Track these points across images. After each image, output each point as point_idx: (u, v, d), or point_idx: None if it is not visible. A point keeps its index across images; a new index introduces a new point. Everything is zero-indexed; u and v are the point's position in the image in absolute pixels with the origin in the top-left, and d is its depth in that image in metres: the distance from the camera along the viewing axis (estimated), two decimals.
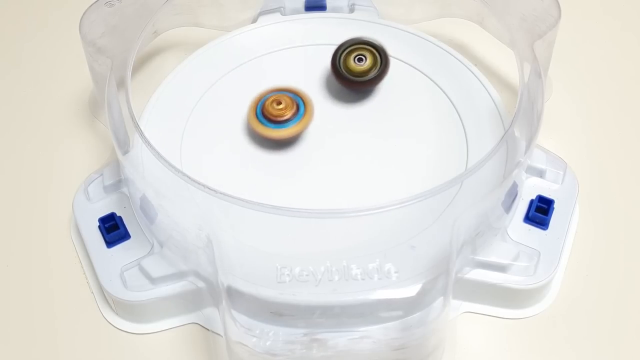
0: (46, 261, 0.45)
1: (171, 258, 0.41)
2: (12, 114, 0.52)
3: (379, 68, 0.47)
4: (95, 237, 0.43)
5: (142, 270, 0.41)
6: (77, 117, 0.52)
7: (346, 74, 0.47)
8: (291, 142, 0.45)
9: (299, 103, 0.45)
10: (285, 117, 0.44)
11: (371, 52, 0.47)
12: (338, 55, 0.47)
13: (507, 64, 0.51)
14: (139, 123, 0.42)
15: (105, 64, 0.44)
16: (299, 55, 0.51)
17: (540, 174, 0.45)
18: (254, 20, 0.53)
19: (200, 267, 0.40)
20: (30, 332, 0.42)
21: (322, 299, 0.38)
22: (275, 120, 0.44)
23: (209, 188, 0.38)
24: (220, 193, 0.38)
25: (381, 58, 0.47)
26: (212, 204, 0.39)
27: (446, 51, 0.50)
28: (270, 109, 0.44)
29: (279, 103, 0.44)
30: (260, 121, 0.44)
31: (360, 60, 0.46)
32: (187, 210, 0.41)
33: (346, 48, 0.47)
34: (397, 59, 0.50)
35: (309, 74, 0.49)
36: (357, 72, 0.47)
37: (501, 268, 0.41)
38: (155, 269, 0.40)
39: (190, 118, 0.47)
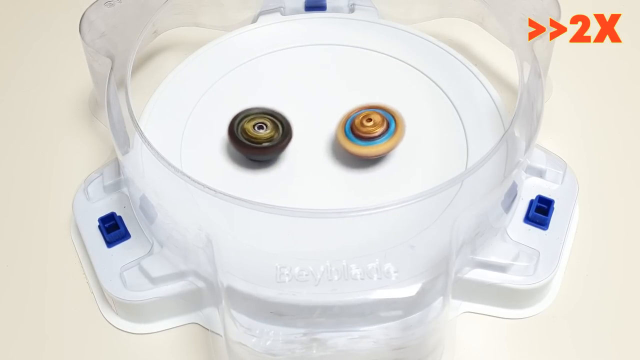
0: (46, 261, 0.45)
1: (171, 258, 0.41)
2: (12, 114, 0.52)
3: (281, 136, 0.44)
4: (95, 237, 0.43)
5: (142, 270, 0.41)
6: (77, 117, 0.52)
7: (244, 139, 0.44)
8: (380, 159, 0.45)
9: (389, 120, 0.44)
10: (375, 134, 0.43)
11: (273, 121, 0.44)
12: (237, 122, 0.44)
13: (507, 64, 0.51)
14: (139, 123, 0.42)
15: (105, 64, 0.44)
16: (299, 55, 0.51)
17: (540, 174, 0.45)
18: (254, 20, 0.53)
19: (200, 267, 0.40)
20: (30, 332, 0.42)
21: (322, 298, 0.38)
22: (364, 137, 0.44)
23: (208, 188, 0.38)
24: (220, 193, 0.38)
25: (283, 128, 0.44)
26: (212, 203, 0.39)
27: (446, 51, 0.50)
28: (360, 126, 0.44)
29: (369, 120, 0.44)
30: (349, 138, 0.44)
31: (260, 127, 0.44)
32: (187, 210, 0.41)
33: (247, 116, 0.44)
34: (397, 59, 0.50)
35: (309, 74, 0.49)
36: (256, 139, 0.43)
37: (501, 268, 0.41)
38: (155, 269, 0.40)
39: (190, 118, 0.47)
